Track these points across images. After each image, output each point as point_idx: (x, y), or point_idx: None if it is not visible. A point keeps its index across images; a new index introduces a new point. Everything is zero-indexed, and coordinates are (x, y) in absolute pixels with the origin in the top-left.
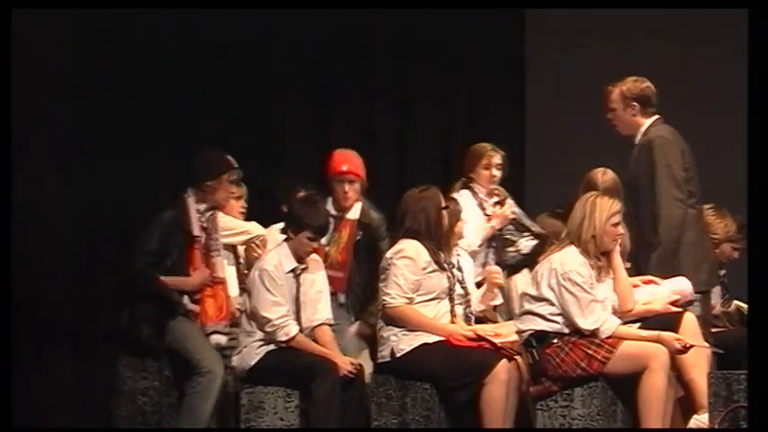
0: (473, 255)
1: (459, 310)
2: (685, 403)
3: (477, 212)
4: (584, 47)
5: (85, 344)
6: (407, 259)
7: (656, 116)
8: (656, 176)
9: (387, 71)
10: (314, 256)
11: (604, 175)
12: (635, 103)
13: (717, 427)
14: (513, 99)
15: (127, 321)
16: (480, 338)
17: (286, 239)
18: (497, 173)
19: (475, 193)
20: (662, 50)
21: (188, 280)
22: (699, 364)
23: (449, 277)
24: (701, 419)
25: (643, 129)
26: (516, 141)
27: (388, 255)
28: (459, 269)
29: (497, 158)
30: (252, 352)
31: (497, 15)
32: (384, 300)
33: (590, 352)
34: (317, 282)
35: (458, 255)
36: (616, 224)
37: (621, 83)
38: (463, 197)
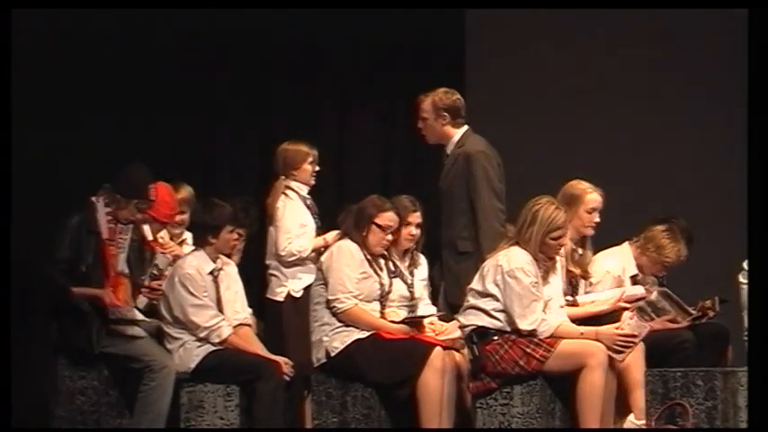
0: (306, 260)
1: (402, 313)
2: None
3: (307, 213)
4: (529, 49)
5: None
6: (346, 258)
7: (466, 126)
8: (477, 188)
9: (326, 74)
10: (222, 257)
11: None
12: (446, 114)
13: (654, 424)
14: None
15: (56, 330)
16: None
17: (202, 245)
18: (317, 168)
19: (295, 192)
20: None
21: (99, 293)
22: (636, 362)
23: (381, 284)
24: (636, 421)
25: (455, 139)
26: None
27: (326, 260)
28: (412, 273)
29: (316, 154)
30: (191, 354)
31: (437, 15)
32: (335, 306)
33: (528, 350)
34: (232, 282)
35: (418, 262)
36: (557, 238)
37: (433, 93)
38: (294, 200)
